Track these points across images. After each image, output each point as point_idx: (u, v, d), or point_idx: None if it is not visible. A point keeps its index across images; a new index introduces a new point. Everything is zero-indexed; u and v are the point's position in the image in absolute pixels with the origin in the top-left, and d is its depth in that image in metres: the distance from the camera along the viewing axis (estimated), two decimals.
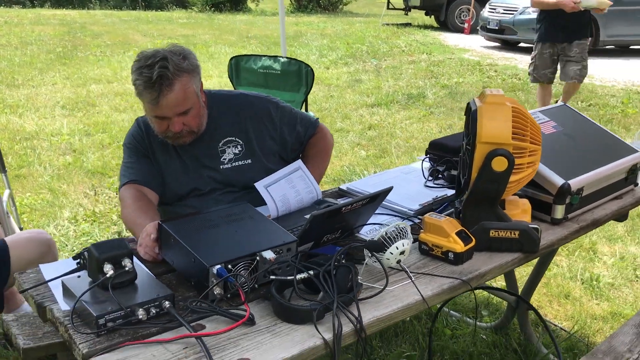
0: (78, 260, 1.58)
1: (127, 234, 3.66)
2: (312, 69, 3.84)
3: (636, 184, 2.16)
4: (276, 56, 3.94)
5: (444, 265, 1.64)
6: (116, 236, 3.64)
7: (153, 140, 2.05)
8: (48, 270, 1.60)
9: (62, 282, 1.43)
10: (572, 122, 2.20)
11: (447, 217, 1.70)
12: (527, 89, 7.54)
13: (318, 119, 2.31)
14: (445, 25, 14.87)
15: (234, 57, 4.05)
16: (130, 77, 1.91)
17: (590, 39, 5.70)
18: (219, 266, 1.40)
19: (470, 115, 1.68)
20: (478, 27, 12.43)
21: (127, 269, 1.40)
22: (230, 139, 2.07)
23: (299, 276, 1.42)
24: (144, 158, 2.05)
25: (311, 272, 1.42)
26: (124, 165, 2.05)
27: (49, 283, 1.51)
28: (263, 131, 2.11)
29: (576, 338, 2.57)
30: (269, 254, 1.47)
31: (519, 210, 1.79)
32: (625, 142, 2.16)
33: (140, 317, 1.32)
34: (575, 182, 1.87)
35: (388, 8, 16.20)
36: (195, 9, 19.01)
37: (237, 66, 4.02)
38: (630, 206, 2.10)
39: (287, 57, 3.95)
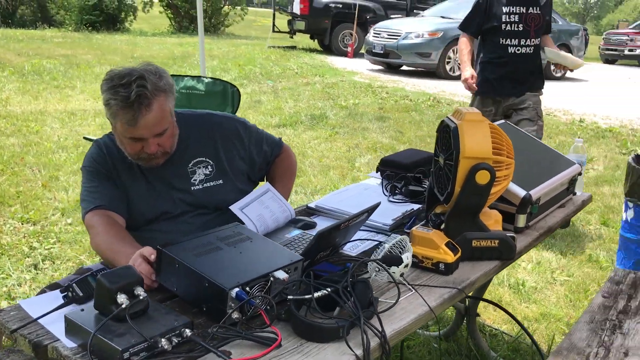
0: (66, 294, 1.48)
1: (44, 265, 3.41)
2: (238, 90, 3.81)
3: (574, 193, 2.37)
4: (199, 76, 3.88)
5: (436, 276, 1.70)
6: (32, 269, 3.36)
7: (116, 163, 1.95)
8: (31, 306, 1.47)
9: (66, 317, 1.32)
10: (516, 139, 2.38)
11: (434, 229, 1.78)
12: (420, 110, 7.96)
13: (281, 138, 2.31)
14: (329, 49, 15.35)
15: None
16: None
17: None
18: (237, 289, 1.36)
19: (451, 132, 1.77)
20: (363, 51, 12.96)
21: (141, 297, 1.32)
22: (200, 159, 2.02)
23: (316, 294, 1.42)
24: (107, 181, 1.94)
25: (328, 290, 1.43)
26: (85, 190, 1.93)
27: (39, 320, 1.39)
28: (233, 151, 2.08)
29: (520, 340, 2.74)
30: (281, 274, 1.46)
31: (492, 221, 1.90)
32: (564, 155, 2.37)
33: (165, 347, 1.25)
34: (534, 193, 2.02)
35: (274, 31, 16.41)
36: (69, 27, 18.08)
37: None
38: (572, 213, 2.31)
39: (211, 78, 3.89)
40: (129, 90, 1.74)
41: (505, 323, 2.91)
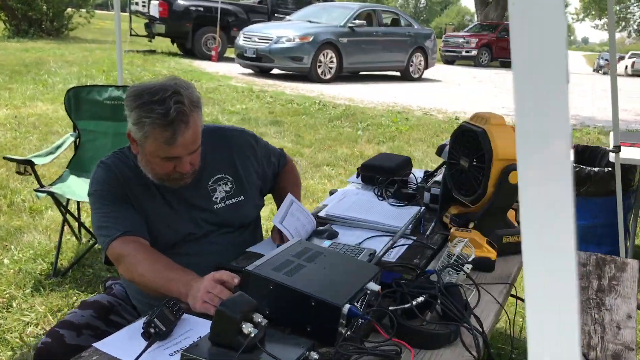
0: (146, 330, 1.36)
1: None
2: None
3: None
4: (126, 86, 3.64)
5: (481, 274, 1.79)
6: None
7: (132, 185, 1.81)
8: (110, 347, 1.33)
9: (186, 356, 1.21)
10: None
11: (472, 229, 1.86)
12: (310, 113, 8.09)
13: (282, 149, 2.27)
14: (191, 52, 15.00)
15: (72, 88, 3.63)
16: None
17: None
18: (349, 305, 1.34)
19: (480, 136, 1.87)
20: (230, 55, 12.86)
21: (263, 324, 1.25)
22: (220, 176, 1.92)
23: (415, 301, 1.44)
24: (125, 204, 1.78)
25: (422, 297, 1.45)
26: (102, 216, 1.75)
27: None
28: (248, 166, 2.01)
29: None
30: (374, 286, 1.45)
31: (511, 217, 2.04)
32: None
33: None
34: None
35: (131, 35, 15.68)
36: None
37: (77, 98, 3.61)
38: None
39: None
40: (166, 107, 1.62)
41: None
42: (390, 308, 1.42)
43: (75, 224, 3.80)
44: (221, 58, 14.59)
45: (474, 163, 1.91)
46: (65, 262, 3.54)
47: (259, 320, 1.25)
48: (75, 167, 3.61)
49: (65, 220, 3.48)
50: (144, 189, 1.82)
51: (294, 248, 1.57)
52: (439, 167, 2.73)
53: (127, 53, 14.34)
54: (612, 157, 3.25)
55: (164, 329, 1.36)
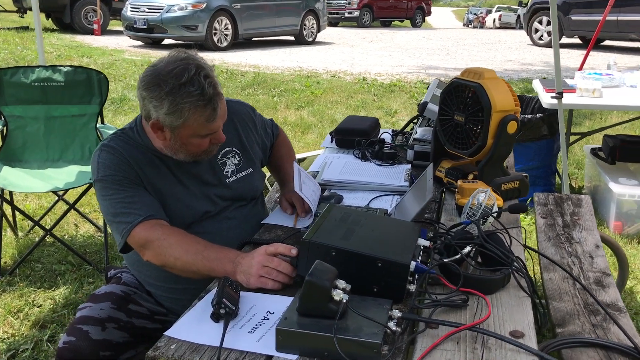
0: (217, 312, 1.32)
1: None
2: (105, 77, 3.44)
3: None
4: (55, 66, 3.38)
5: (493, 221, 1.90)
6: None
7: (143, 166, 1.72)
8: (183, 333, 1.28)
9: (281, 330, 1.20)
10: None
11: (477, 180, 1.96)
12: (220, 83, 7.88)
13: (272, 119, 2.23)
14: (70, 27, 14.03)
15: None
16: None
17: None
18: (414, 262, 1.39)
19: (477, 90, 1.95)
20: (117, 27, 12.20)
21: (348, 289, 1.26)
22: (228, 149, 1.87)
23: (464, 251, 1.50)
24: (139, 187, 1.70)
25: (468, 248, 1.52)
26: (119, 202, 1.65)
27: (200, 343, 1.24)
28: (251, 137, 1.97)
29: None
30: (424, 242, 1.50)
31: None
32: None
33: (394, 329, 1.23)
34: None
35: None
36: None
37: (0, 81, 3.30)
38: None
39: (70, 66, 3.42)
40: (200, 86, 1.56)
41: None
42: (445, 260, 1.48)
43: (11, 218, 3.54)
44: (104, 31, 13.79)
45: (472, 117, 1.99)
46: (9, 259, 3.29)
47: (343, 285, 1.26)
48: (6, 157, 3.33)
49: (3, 215, 3.22)
50: (154, 169, 1.74)
51: (335, 214, 1.57)
52: (407, 125, 2.81)
53: None
54: (546, 104, 3.49)
55: (234, 308, 1.34)
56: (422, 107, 2.43)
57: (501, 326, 1.31)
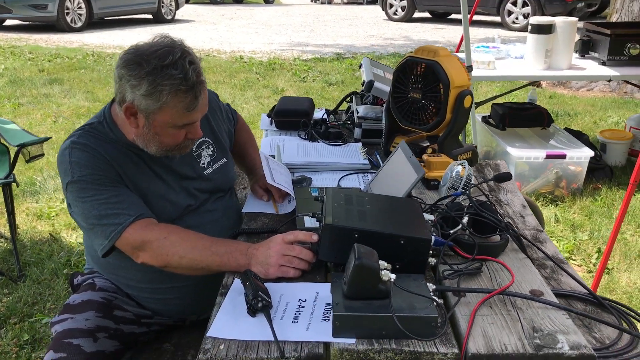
0: (254, 306, 1.30)
1: None
2: None
3: None
4: None
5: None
6: None
7: (123, 164, 1.60)
8: (225, 332, 1.24)
9: (338, 316, 1.20)
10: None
11: (440, 153, 2.05)
12: (89, 66, 7.36)
13: (229, 104, 2.16)
14: None
15: None
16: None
17: None
18: (434, 237, 1.44)
19: (434, 68, 2.03)
20: None
21: (389, 268, 1.29)
22: (202, 139, 1.78)
23: (464, 220, 1.59)
24: (121, 186, 1.58)
25: (465, 218, 1.61)
26: (102, 204, 1.52)
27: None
28: (221, 126, 1.89)
29: None
30: (430, 216, 1.57)
31: None
32: None
33: (439, 301, 1.29)
34: None
35: None
36: None
37: None
38: None
39: None
40: (183, 70, 1.46)
41: None
42: (451, 231, 1.55)
43: None
44: None
45: (429, 94, 2.08)
46: None
47: (385, 265, 1.29)
48: None
49: None
50: (132, 165, 1.62)
51: (336, 197, 1.58)
52: (340, 104, 2.85)
53: None
54: None
55: (269, 300, 1.31)
56: (369, 85, 2.48)
57: (520, 287, 1.42)
